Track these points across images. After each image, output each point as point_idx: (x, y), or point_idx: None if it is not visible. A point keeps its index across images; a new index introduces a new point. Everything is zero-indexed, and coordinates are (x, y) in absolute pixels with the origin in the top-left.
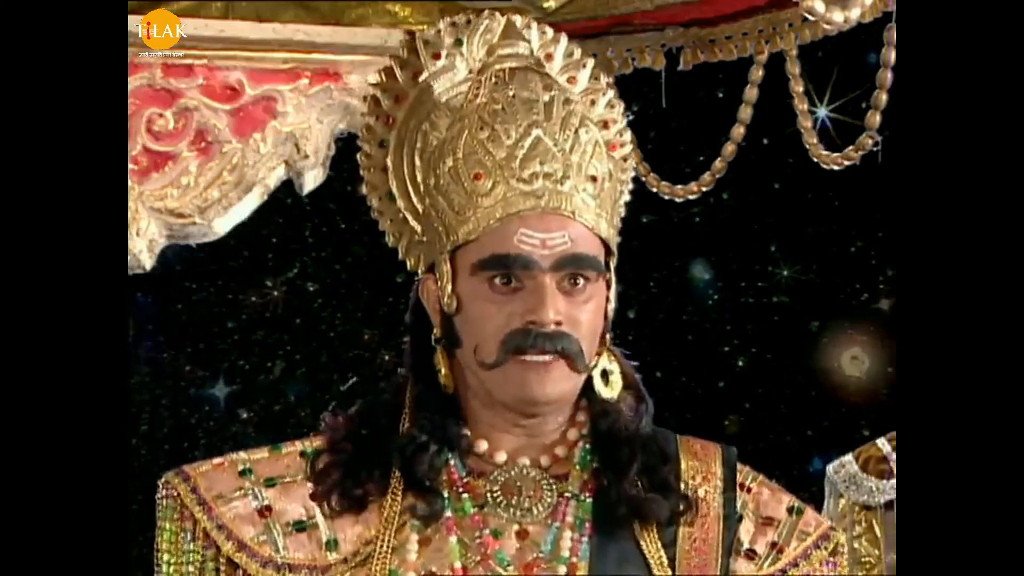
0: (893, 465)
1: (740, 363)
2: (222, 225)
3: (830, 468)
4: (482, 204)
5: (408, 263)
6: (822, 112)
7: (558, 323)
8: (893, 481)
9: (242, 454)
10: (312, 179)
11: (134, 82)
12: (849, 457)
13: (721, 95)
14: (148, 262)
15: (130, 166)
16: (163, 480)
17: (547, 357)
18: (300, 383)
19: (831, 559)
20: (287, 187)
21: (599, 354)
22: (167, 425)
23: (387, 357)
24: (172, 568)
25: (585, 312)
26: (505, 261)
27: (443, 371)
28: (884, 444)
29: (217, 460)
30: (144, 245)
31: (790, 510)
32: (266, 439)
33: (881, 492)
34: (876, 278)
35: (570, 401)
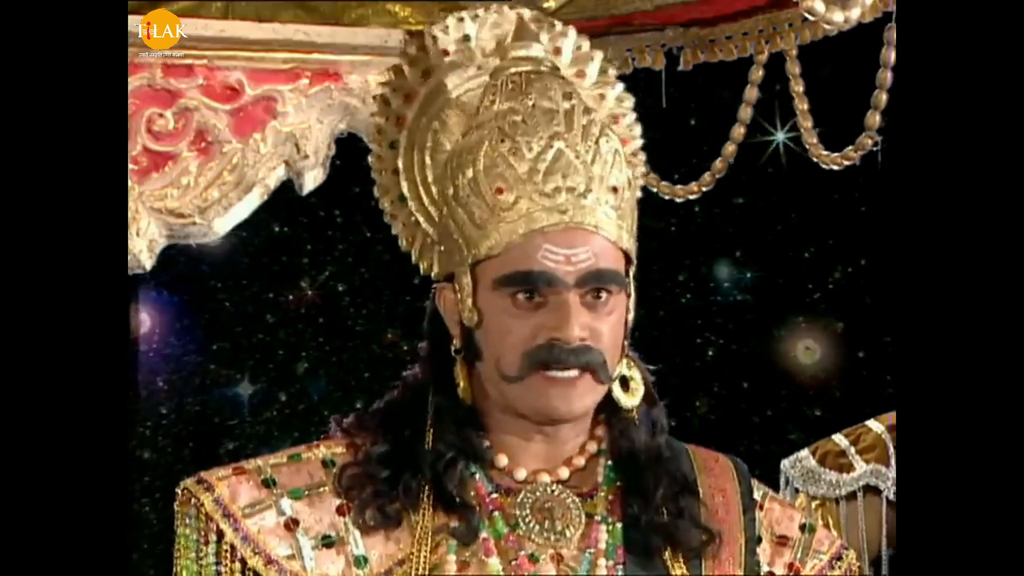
0: (853, 459)
1: (710, 353)
2: (222, 225)
3: (786, 463)
4: (505, 219)
5: (421, 266)
6: (780, 136)
7: (582, 339)
8: (854, 474)
9: (259, 461)
10: (312, 179)
11: (134, 82)
12: (805, 452)
13: (721, 95)
14: (148, 262)
15: (130, 166)
16: (182, 487)
17: (572, 373)
18: (323, 382)
19: None
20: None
21: (619, 361)
22: (193, 424)
23: (405, 348)
24: None
25: (608, 324)
26: (528, 278)
27: (462, 384)
28: (841, 439)
29: (235, 466)
30: (144, 245)
31: (802, 527)
32: (292, 437)
33: (842, 485)
34: (826, 279)
35: (591, 413)
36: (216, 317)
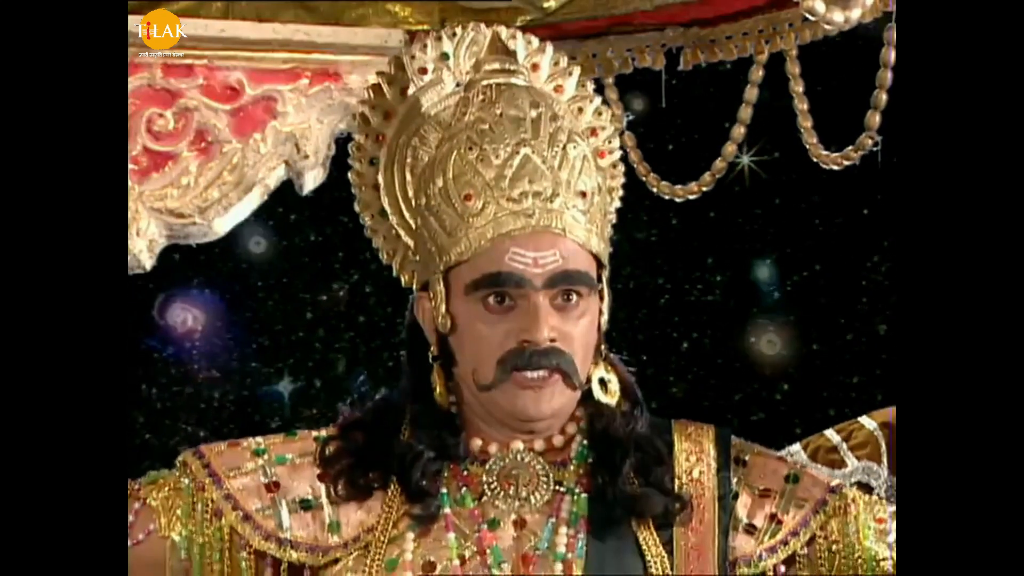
0: (844, 455)
1: (684, 345)
2: (222, 225)
3: None
4: (473, 224)
5: (403, 280)
6: (745, 159)
7: (552, 340)
8: (845, 470)
9: (258, 438)
10: (312, 179)
11: (134, 82)
12: (796, 447)
13: (721, 95)
14: (148, 262)
15: (130, 166)
16: (180, 459)
17: (542, 373)
18: (363, 379)
19: (832, 521)
20: (323, 190)
21: (595, 365)
22: (235, 420)
23: None
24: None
25: (579, 327)
26: (497, 280)
27: (439, 390)
28: (833, 435)
29: (232, 441)
30: (144, 245)
31: (787, 478)
32: None
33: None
34: (785, 283)
35: (566, 415)
36: (257, 315)
